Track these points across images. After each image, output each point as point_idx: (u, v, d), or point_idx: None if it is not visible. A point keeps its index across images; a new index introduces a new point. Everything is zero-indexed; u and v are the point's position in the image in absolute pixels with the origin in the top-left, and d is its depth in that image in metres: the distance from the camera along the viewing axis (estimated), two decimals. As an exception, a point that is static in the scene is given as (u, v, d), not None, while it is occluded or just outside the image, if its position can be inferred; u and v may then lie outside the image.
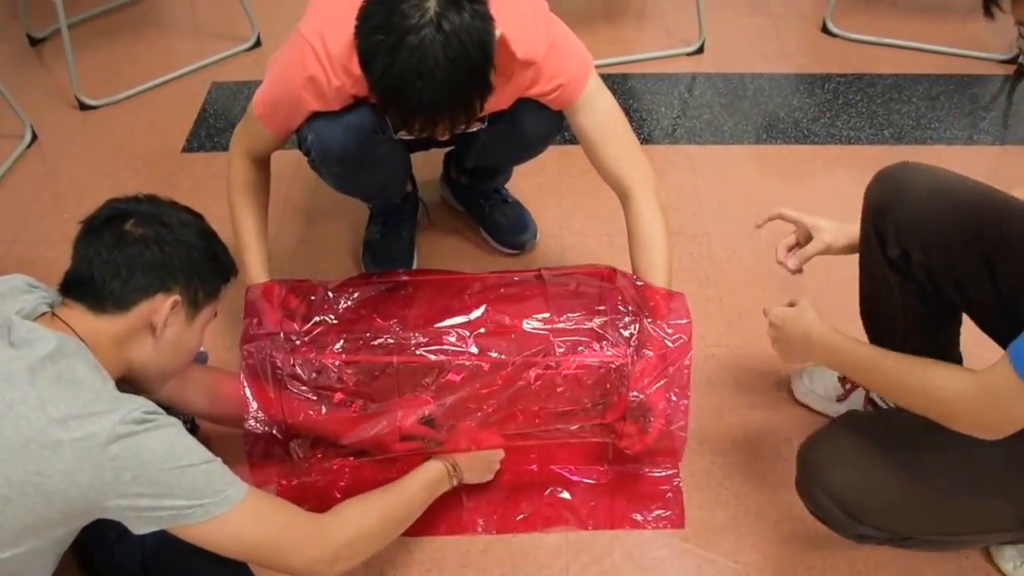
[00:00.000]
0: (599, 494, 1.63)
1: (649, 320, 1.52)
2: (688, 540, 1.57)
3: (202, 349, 1.81)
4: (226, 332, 1.82)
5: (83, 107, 2.59)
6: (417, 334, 1.56)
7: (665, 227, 1.59)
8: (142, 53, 2.82)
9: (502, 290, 1.65)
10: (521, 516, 1.61)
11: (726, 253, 2.08)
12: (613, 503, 1.62)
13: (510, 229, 2.08)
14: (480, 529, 1.59)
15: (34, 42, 2.87)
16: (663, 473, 1.65)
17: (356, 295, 1.64)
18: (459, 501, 1.61)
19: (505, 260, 2.08)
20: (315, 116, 1.56)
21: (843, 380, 1.71)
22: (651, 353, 1.49)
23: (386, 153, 1.67)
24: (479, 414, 1.54)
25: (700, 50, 2.75)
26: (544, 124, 1.67)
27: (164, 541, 1.38)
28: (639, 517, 1.60)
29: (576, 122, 1.61)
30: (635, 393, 1.49)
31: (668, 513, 1.60)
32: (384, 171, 1.77)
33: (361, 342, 1.56)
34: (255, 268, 1.64)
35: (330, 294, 1.63)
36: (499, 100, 1.57)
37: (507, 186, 2.13)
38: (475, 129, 1.46)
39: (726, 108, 2.54)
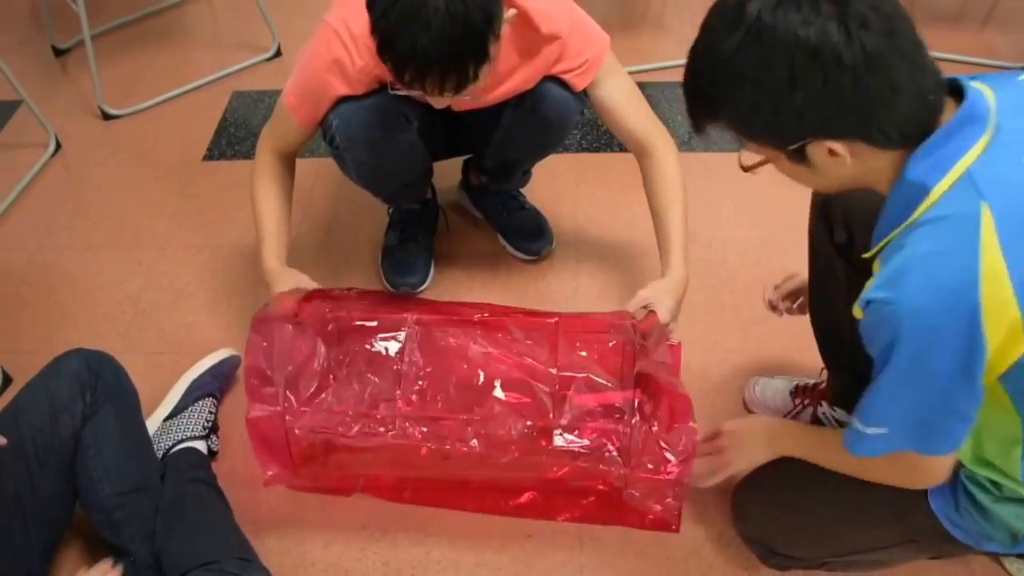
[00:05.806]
0: (601, 495, 1.59)
1: (655, 429, 1.46)
2: (701, 542, 1.58)
3: (233, 352, 1.82)
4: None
5: (106, 117, 2.63)
6: (419, 426, 1.51)
7: (683, 176, 1.72)
8: (164, 63, 2.86)
9: (512, 336, 1.61)
10: (517, 501, 1.60)
11: (741, 259, 2.09)
12: (614, 502, 1.56)
13: (527, 235, 2.10)
14: (473, 508, 1.60)
15: (58, 53, 2.92)
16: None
17: (355, 351, 1.59)
18: (458, 485, 1.62)
19: (520, 265, 2.10)
20: (340, 102, 1.61)
21: (793, 396, 1.69)
22: (651, 466, 1.44)
23: (409, 144, 1.72)
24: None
25: (716, 59, 2.74)
26: (565, 104, 1.69)
27: (170, 533, 1.44)
28: (639, 516, 1.56)
29: (601, 92, 1.69)
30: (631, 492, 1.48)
31: (666, 514, 1.52)
32: (407, 166, 1.81)
33: (362, 422, 1.51)
34: (270, 260, 1.67)
35: (325, 352, 1.57)
36: (527, 78, 1.63)
37: (525, 193, 2.15)
38: (473, 105, 1.48)
39: (741, 116, 2.53)
